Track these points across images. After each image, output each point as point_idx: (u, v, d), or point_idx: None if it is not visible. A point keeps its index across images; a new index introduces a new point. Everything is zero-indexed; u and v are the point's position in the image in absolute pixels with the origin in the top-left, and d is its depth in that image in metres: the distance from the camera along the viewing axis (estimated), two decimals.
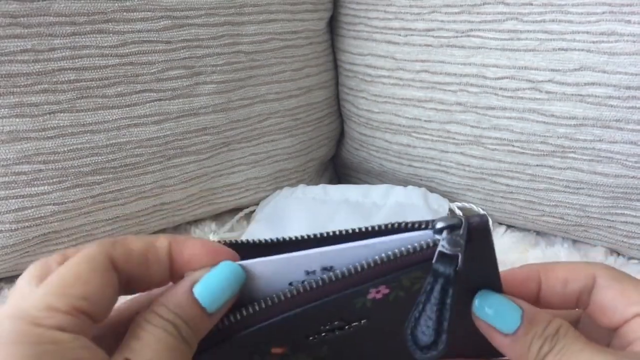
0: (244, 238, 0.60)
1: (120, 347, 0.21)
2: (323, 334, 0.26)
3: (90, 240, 0.52)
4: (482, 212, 0.61)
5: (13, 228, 0.50)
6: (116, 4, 0.50)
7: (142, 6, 0.51)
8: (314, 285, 0.24)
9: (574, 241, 0.59)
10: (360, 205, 0.62)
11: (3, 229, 0.49)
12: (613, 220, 0.54)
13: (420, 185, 0.65)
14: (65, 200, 0.51)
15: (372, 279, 0.24)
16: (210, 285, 0.23)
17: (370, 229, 0.26)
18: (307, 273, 0.25)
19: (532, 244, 0.59)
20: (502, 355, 0.26)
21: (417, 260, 0.24)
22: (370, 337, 0.28)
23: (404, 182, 0.66)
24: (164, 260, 0.24)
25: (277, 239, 0.26)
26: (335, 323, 0.26)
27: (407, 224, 0.25)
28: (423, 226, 0.25)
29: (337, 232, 0.27)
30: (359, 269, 0.24)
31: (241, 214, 0.65)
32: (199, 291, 0.23)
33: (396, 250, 0.24)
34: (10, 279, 0.54)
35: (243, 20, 0.58)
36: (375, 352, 0.30)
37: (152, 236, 0.24)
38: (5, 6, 0.45)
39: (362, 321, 0.26)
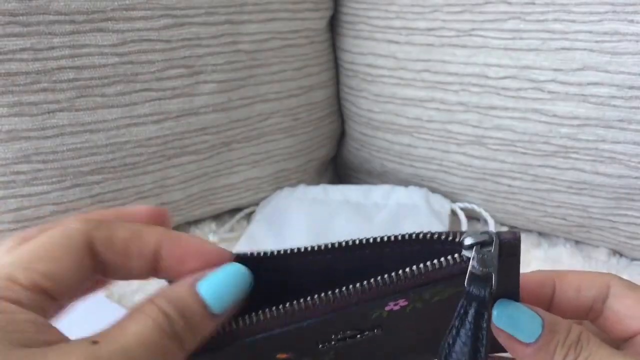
0: (243, 239, 0.60)
1: (99, 331, 0.20)
2: (333, 342, 0.25)
3: None
4: (489, 217, 0.60)
5: (12, 228, 0.49)
6: (116, 3, 0.49)
7: (141, 5, 0.51)
8: (332, 298, 0.23)
9: (577, 242, 0.59)
10: (361, 205, 0.62)
11: (2, 228, 0.49)
12: (616, 221, 0.53)
13: (421, 186, 0.64)
14: (65, 200, 0.51)
15: (393, 293, 0.23)
16: (216, 284, 0.22)
17: (392, 238, 0.24)
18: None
19: (535, 245, 0.59)
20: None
21: (443, 276, 0.22)
22: (380, 345, 0.27)
23: (405, 183, 0.66)
24: (147, 256, 0.22)
25: (285, 250, 0.25)
26: (348, 332, 0.25)
27: (432, 234, 0.23)
28: (450, 238, 0.23)
29: (352, 242, 0.24)
30: (380, 282, 0.22)
31: (241, 214, 0.64)
32: (204, 289, 0.21)
33: (421, 266, 0.22)
34: None
35: (243, 19, 0.57)
36: (382, 358, 0.30)
37: (143, 226, 0.23)
38: (5, 4, 0.45)
39: (376, 330, 0.25)
